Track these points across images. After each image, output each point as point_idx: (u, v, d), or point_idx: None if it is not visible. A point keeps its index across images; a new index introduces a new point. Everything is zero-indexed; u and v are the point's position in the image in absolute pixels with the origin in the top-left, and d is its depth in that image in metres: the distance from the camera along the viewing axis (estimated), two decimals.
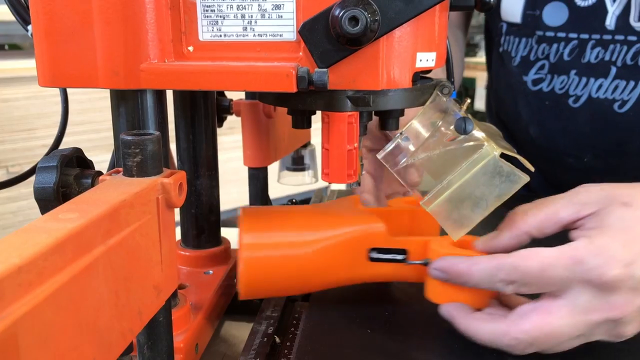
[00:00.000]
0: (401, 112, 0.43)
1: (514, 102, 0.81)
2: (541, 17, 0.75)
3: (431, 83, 0.42)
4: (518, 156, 0.42)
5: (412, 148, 0.43)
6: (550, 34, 0.75)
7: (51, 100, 1.78)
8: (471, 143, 0.42)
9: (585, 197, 0.40)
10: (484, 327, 0.40)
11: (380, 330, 0.44)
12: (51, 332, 0.23)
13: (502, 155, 0.41)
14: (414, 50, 0.39)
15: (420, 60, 0.40)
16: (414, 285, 0.51)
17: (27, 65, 1.80)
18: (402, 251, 0.45)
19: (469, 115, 0.42)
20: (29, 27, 0.52)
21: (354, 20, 0.35)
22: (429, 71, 0.43)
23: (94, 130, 1.80)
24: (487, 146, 0.41)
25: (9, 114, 1.77)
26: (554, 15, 0.75)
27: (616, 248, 0.37)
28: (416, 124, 0.43)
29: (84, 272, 0.25)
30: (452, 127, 0.42)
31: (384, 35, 0.37)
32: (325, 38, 0.37)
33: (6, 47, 2.37)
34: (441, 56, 0.42)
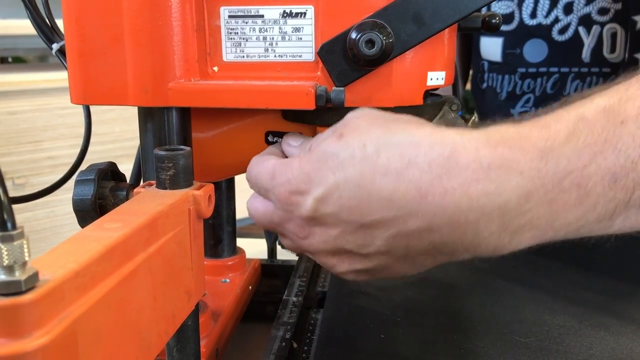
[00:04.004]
0: None
1: None
2: (522, 55, 0.77)
3: (441, 100, 0.45)
4: None
5: None
6: (532, 70, 0.77)
7: (57, 112, 1.80)
8: None
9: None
10: (261, 162, 0.41)
11: (394, 336, 0.46)
12: (103, 331, 0.25)
13: None
14: (425, 69, 0.42)
15: (431, 79, 0.42)
16: (428, 292, 0.53)
17: (32, 79, 1.82)
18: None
19: None
20: (54, 46, 0.55)
21: (370, 43, 0.37)
22: (437, 89, 0.45)
23: (99, 142, 1.83)
24: None
25: (15, 127, 1.78)
26: (535, 51, 0.76)
27: (297, 174, 0.36)
28: None
29: (128, 277, 0.27)
30: None
31: (397, 56, 0.40)
32: (343, 59, 0.39)
33: (10, 59, 2.39)
34: (450, 75, 0.44)
